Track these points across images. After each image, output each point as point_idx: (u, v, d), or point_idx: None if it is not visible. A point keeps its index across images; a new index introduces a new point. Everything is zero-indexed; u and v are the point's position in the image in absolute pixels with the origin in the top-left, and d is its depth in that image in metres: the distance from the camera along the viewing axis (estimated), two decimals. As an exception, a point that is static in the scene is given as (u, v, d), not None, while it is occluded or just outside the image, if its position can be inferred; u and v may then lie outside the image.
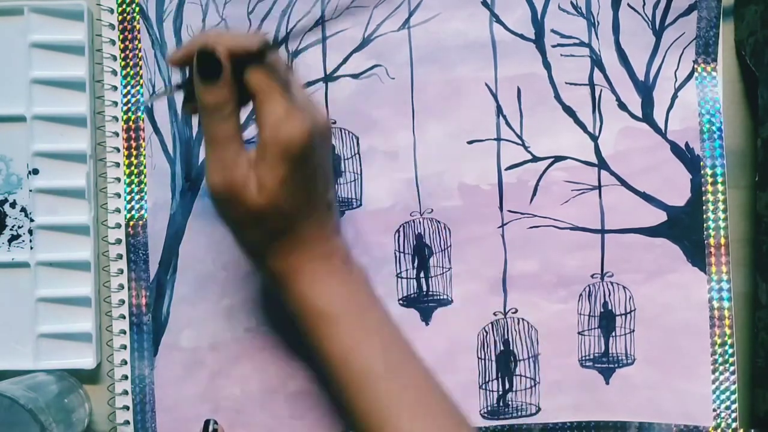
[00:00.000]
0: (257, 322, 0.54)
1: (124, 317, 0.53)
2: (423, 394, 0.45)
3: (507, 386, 0.54)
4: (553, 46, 0.53)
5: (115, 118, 0.54)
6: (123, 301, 0.53)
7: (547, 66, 0.53)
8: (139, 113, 0.54)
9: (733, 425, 0.52)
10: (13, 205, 0.54)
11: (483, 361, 0.54)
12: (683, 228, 0.53)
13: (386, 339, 0.45)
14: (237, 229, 0.44)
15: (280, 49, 0.45)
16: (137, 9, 0.54)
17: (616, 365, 0.53)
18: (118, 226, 0.53)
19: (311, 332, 0.45)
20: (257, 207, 0.42)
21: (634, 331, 0.53)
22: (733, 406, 0.52)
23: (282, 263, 0.44)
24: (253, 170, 0.42)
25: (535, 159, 0.54)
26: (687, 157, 0.53)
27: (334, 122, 0.54)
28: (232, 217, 0.43)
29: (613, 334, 0.53)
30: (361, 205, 0.54)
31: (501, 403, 0.53)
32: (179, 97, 0.52)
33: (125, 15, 0.54)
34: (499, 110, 0.54)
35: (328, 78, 0.54)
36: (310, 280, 0.44)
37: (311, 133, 0.41)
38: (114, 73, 0.54)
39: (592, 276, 0.53)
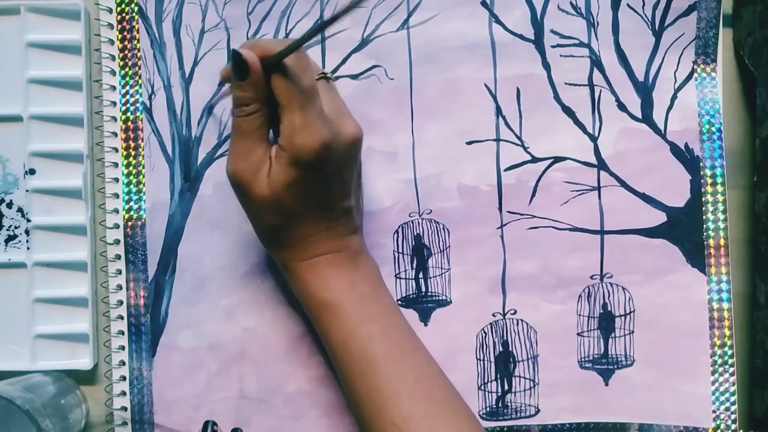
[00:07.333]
0: (256, 322, 0.53)
1: (122, 318, 0.53)
2: (423, 380, 0.46)
3: (506, 387, 0.53)
4: (553, 47, 0.53)
5: (114, 118, 0.53)
6: (121, 302, 0.53)
7: (546, 66, 0.53)
8: (138, 113, 0.54)
9: (733, 426, 0.52)
10: (9, 205, 0.54)
11: (482, 362, 0.53)
12: (683, 229, 0.53)
13: (387, 327, 0.47)
14: (248, 214, 0.48)
15: (312, 57, 0.47)
16: (136, 9, 0.53)
17: (615, 366, 0.53)
18: (117, 226, 0.53)
19: (315, 319, 0.48)
20: (261, 198, 0.45)
21: (633, 332, 0.53)
22: (733, 408, 0.52)
23: (287, 254, 0.48)
24: (268, 164, 0.45)
25: (535, 160, 0.54)
26: (686, 157, 0.53)
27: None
28: (243, 203, 0.47)
29: (613, 335, 0.53)
30: (360, 205, 0.54)
31: (500, 405, 0.53)
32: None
33: (124, 15, 0.53)
34: (499, 111, 0.54)
35: (328, 78, 0.54)
36: (313, 272, 0.47)
37: (326, 146, 0.43)
38: (113, 72, 0.53)
39: (591, 277, 0.53)
